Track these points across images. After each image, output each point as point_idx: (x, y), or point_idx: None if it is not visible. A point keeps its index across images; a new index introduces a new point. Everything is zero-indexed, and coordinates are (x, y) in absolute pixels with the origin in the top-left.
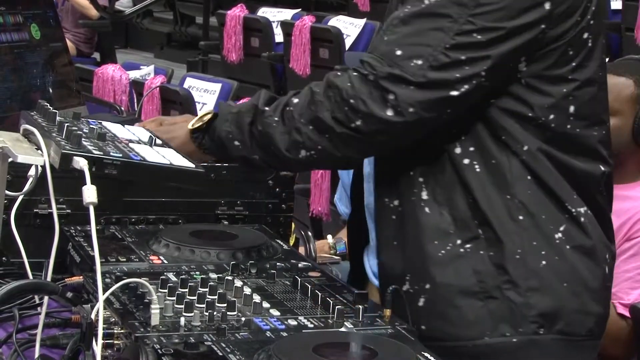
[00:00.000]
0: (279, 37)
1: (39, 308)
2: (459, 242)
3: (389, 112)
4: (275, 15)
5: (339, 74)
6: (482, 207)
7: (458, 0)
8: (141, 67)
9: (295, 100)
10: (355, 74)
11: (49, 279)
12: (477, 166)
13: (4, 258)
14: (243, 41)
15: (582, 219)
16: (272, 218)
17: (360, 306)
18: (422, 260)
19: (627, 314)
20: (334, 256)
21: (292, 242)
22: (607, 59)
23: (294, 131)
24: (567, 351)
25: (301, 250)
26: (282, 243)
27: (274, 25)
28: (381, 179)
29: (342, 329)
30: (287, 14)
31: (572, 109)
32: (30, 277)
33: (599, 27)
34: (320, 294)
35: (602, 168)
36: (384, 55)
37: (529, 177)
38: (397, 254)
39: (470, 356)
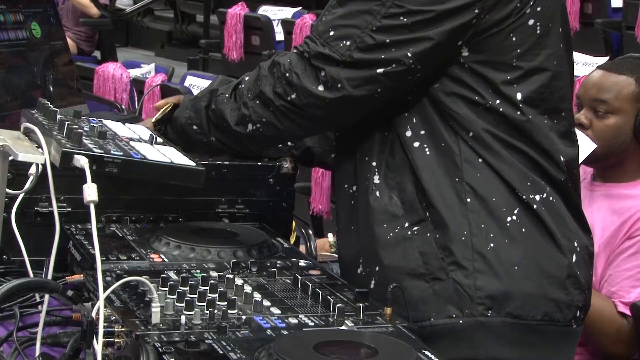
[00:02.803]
0: (279, 35)
1: (39, 306)
2: (407, 224)
3: (320, 87)
4: (276, 13)
5: (281, 55)
6: (429, 189)
7: None
8: (142, 65)
9: (246, 78)
10: (294, 51)
11: (49, 277)
12: (427, 149)
13: (4, 256)
14: (244, 39)
15: (536, 206)
16: (273, 216)
17: (361, 304)
18: (372, 243)
19: (628, 312)
20: (334, 254)
21: (292, 240)
22: (608, 57)
23: (242, 106)
24: (520, 335)
25: (302, 248)
26: (282, 241)
27: (275, 23)
28: (342, 165)
29: (343, 327)
30: (287, 12)
31: (519, 96)
32: (31, 275)
33: (550, 15)
34: (320, 292)
35: (562, 158)
36: (320, 35)
37: (479, 160)
38: (353, 238)
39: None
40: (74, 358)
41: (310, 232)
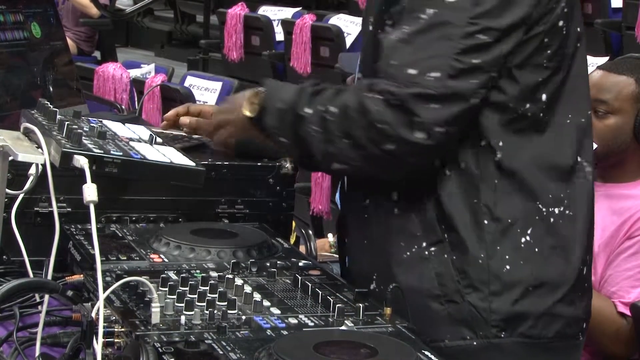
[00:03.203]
0: (279, 35)
1: (39, 306)
2: (424, 244)
3: (418, 135)
4: (275, 13)
5: (369, 95)
6: (448, 210)
7: (454, 6)
8: (142, 65)
9: (333, 110)
10: (380, 97)
11: (49, 277)
12: (446, 169)
13: (4, 256)
14: (244, 40)
15: (552, 220)
16: (273, 216)
17: (361, 304)
18: (387, 260)
19: (627, 312)
20: (334, 254)
21: (292, 240)
22: (608, 57)
23: (330, 143)
24: (533, 354)
25: (302, 248)
26: (282, 241)
27: (275, 23)
28: (356, 178)
29: (343, 328)
30: (287, 12)
31: (544, 97)
32: (31, 275)
33: (571, 15)
34: (320, 293)
35: (579, 159)
36: (398, 79)
37: (496, 181)
38: (366, 253)
39: None
40: (74, 358)
41: (310, 232)
